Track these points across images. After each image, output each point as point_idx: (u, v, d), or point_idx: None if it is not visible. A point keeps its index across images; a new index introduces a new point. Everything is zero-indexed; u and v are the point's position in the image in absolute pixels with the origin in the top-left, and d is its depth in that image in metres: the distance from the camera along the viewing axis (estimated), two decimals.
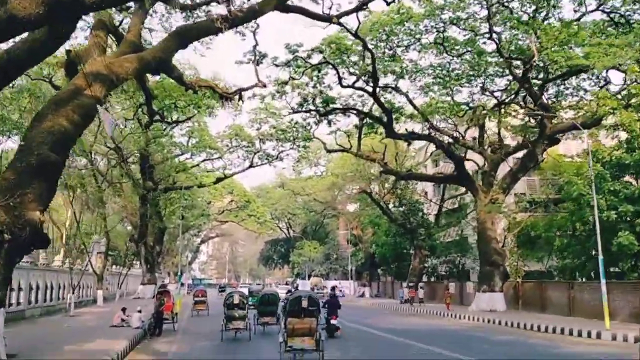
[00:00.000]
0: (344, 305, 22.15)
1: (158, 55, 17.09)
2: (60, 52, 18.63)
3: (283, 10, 19.56)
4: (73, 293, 26.01)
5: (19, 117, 25.92)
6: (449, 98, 33.90)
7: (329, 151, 42.25)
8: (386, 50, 31.33)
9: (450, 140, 34.24)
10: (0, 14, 10.46)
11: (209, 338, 19.91)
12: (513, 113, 35.25)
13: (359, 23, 27.76)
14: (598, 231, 21.54)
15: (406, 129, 32.90)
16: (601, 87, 31.74)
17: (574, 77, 31.86)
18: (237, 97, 25.29)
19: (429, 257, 45.85)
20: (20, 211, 12.12)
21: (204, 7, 20.98)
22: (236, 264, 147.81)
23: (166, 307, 21.87)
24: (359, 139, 39.40)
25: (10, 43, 14.20)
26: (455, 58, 30.93)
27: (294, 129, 45.19)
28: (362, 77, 33.24)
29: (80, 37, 38.05)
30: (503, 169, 35.87)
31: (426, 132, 36.34)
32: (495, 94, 34.58)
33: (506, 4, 28.51)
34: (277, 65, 33.20)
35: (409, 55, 57.01)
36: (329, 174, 68.12)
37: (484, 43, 30.85)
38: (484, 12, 28.54)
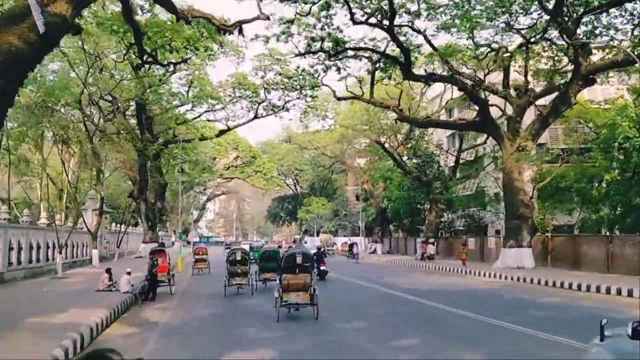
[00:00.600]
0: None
1: None
2: None
3: None
4: (61, 253, 23.58)
5: None
6: (468, 41, 30.74)
7: (339, 99, 39.11)
8: None
9: (472, 83, 30.97)
10: None
11: (209, 302, 17.57)
12: (542, 51, 31.98)
13: None
14: None
15: (425, 70, 29.63)
16: (636, 25, 28.61)
17: (604, 15, 28.59)
18: (237, 30, 22.31)
19: (445, 212, 43.19)
20: None
21: None
22: (243, 221, 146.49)
23: (161, 267, 19.43)
24: (372, 84, 36.25)
25: None
26: None
27: (301, 77, 42.09)
28: (376, 15, 29.90)
29: None
30: (529, 116, 32.89)
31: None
32: (522, 32, 31.21)
33: None
34: (282, 0, 29.86)
35: None
36: (337, 126, 65.08)
37: None
38: None
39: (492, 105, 33.98)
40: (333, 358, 9.78)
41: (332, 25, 32.89)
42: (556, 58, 31.96)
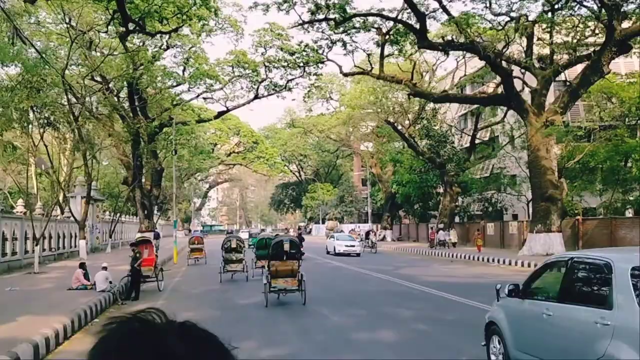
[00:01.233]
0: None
1: None
2: None
3: None
4: (37, 245, 20.91)
5: None
6: (484, 12, 27.83)
7: (346, 74, 36.22)
8: None
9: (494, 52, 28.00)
10: None
11: (199, 301, 15.02)
12: (567, 19, 29.01)
13: None
14: None
15: (443, 37, 26.63)
16: None
17: None
18: None
19: (461, 195, 40.40)
20: None
21: None
22: (247, 209, 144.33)
23: (146, 261, 16.78)
24: (381, 57, 33.39)
25: None
26: None
27: (304, 53, 39.21)
28: None
29: None
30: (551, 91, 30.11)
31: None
32: None
33: None
34: None
35: None
36: (342, 108, 62.20)
37: None
38: None
39: (514, 78, 31.15)
40: None
41: None
42: (580, 28, 28.97)
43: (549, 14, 28.55)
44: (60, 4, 26.36)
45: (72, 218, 28.89)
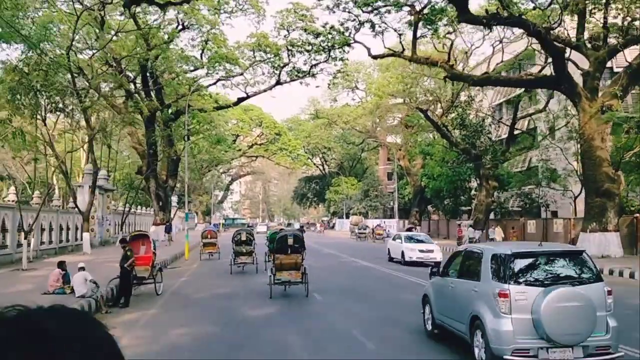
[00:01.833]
0: None
1: None
2: None
3: None
4: (26, 238, 18.62)
5: None
6: None
7: (374, 57, 33.29)
8: None
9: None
10: None
11: (201, 309, 12.50)
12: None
13: None
14: None
15: (487, 10, 23.49)
16: None
17: None
18: None
19: (497, 190, 37.20)
20: None
21: None
22: (270, 203, 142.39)
23: (142, 259, 14.32)
24: (414, 37, 30.49)
25: None
26: None
27: (329, 36, 36.46)
28: None
29: None
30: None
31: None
32: None
33: None
34: None
35: None
36: (369, 98, 59.27)
37: None
38: None
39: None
40: None
41: None
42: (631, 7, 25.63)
43: None
44: None
45: (76, 209, 26.65)
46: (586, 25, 26.93)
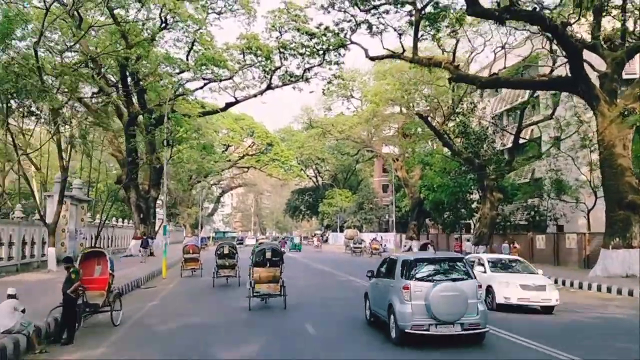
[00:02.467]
0: None
1: None
2: None
3: None
4: None
5: None
6: None
7: (372, 58, 30.98)
8: None
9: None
10: None
11: (165, 347, 9.95)
12: None
13: None
14: None
15: (498, 3, 21.21)
16: None
17: None
18: None
19: (502, 202, 34.82)
20: None
21: None
22: (262, 216, 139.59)
23: (96, 282, 11.77)
24: (415, 37, 28.24)
25: None
26: None
27: (324, 38, 34.22)
28: None
29: None
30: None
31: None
32: None
33: None
34: None
35: None
36: (363, 107, 57.06)
37: None
38: None
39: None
40: None
41: None
42: None
43: None
44: None
45: (42, 221, 24.01)
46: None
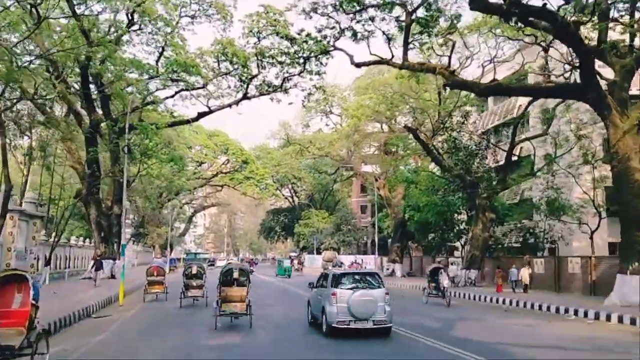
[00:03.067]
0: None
1: None
2: None
3: None
4: None
5: None
6: None
7: (358, 65, 28.57)
8: None
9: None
10: None
11: None
12: None
13: None
14: None
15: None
16: None
17: None
18: None
19: (494, 223, 32.54)
20: None
21: None
22: (235, 237, 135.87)
23: (12, 315, 8.84)
24: (405, 42, 26.01)
25: None
26: None
27: (304, 45, 31.82)
28: None
29: None
30: None
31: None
32: None
33: None
34: None
35: None
36: (343, 124, 54.76)
37: None
38: None
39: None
40: None
41: None
42: None
43: None
44: None
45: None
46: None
